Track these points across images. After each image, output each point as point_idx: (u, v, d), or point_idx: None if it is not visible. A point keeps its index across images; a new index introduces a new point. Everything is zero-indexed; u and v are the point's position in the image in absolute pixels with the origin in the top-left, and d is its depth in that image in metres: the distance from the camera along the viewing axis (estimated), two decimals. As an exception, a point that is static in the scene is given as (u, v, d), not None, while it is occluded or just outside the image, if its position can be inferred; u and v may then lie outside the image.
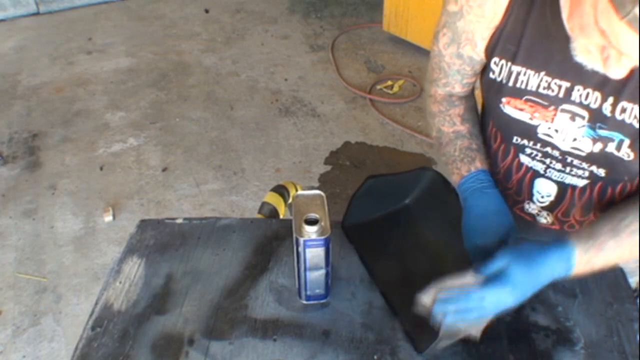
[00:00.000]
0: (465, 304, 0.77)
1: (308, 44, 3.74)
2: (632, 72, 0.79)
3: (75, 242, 2.37)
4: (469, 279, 0.79)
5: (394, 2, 3.44)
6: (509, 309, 0.78)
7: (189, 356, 0.88)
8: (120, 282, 1.00)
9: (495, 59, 0.93)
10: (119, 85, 3.35)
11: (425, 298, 0.80)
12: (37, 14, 4.10)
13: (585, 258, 0.79)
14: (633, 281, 1.06)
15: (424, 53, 3.46)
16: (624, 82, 0.82)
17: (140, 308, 0.96)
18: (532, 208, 1.06)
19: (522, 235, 1.07)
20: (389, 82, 3.30)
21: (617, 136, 0.86)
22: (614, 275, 0.99)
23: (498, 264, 0.78)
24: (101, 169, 2.74)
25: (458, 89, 1.05)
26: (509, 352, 0.87)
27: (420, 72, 3.38)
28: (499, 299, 0.77)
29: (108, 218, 2.45)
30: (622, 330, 0.90)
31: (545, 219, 1.06)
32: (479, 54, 0.97)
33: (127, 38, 3.82)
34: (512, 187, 1.06)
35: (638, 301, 0.97)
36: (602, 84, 0.84)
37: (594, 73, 0.83)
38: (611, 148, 0.87)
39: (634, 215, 0.82)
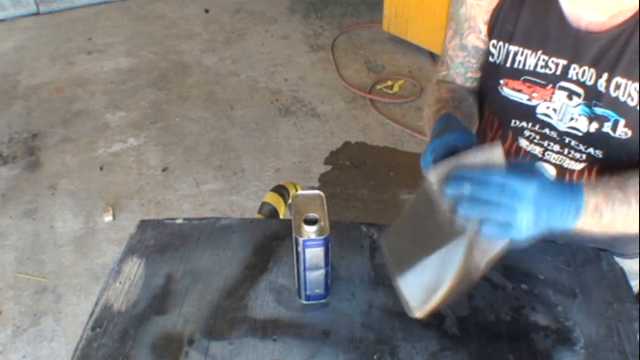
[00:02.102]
0: (482, 190, 0.69)
1: (308, 44, 3.73)
2: (621, 25, 0.81)
3: (75, 242, 2.37)
4: (496, 157, 0.70)
5: (394, 2, 3.44)
6: (518, 243, 0.71)
7: (188, 356, 0.88)
8: (120, 283, 1.00)
9: (494, 41, 0.94)
10: (119, 85, 3.35)
11: (436, 174, 0.70)
12: (37, 14, 4.10)
13: (593, 201, 0.74)
14: (634, 285, 1.06)
15: (424, 53, 3.47)
16: (615, 55, 0.83)
17: (140, 308, 0.96)
18: None
19: None
20: (389, 82, 3.30)
21: (612, 115, 0.87)
22: (614, 275, 0.99)
23: (525, 165, 0.73)
24: (101, 169, 2.74)
25: (459, 82, 1.05)
26: (509, 352, 0.87)
27: (421, 72, 3.38)
28: (519, 198, 0.68)
29: (108, 218, 2.45)
30: (622, 330, 0.90)
31: None
32: (485, 42, 0.97)
33: (127, 38, 3.82)
34: None
35: (638, 305, 0.97)
36: (597, 60, 0.85)
37: (568, 24, 0.84)
38: (607, 128, 0.88)
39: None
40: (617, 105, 0.85)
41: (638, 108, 0.83)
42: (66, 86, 3.34)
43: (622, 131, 0.87)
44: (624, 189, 0.76)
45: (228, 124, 3.03)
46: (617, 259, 1.04)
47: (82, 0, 4.19)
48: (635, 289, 1.07)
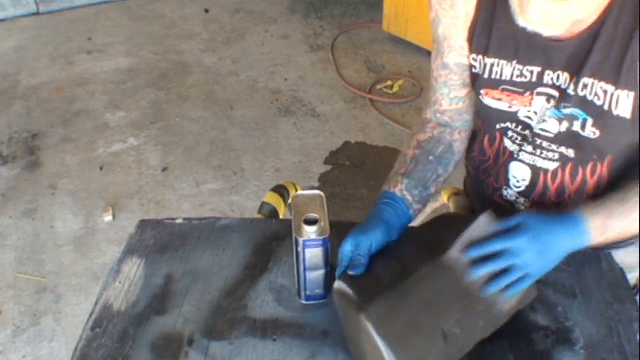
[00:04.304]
0: (493, 249, 0.79)
1: (308, 44, 3.73)
2: (580, 34, 0.83)
3: (75, 242, 2.37)
4: (490, 227, 0.81)
5: (394, 2, 3.44)
6: (541, 275, 0.81)
7: (188, 356, 0.88)
8: (120, 283, 1.00)
9: (473, 56, 0.98)
10: (119, 85, 3.35)
11: (455, 253, 0.80)
12: (37, 14, 4.10)
13: (597, 222, 0.82)
14: (632, 277, 1.06)
15: (424, 53, 3.46)
16: (584, 57, 0.85)
17: (140, 308, 0.96)
18: (510, 194, 1.08)
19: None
20: (389, 82, 3.30)
21: (581, 115, 0.89)
22: (614, 276, 0.99)
23: (514, 220, 0.81)
24: (101, 169, 2.74)
25: (446, 105, 1.05)
26: (509, 352, 0.87)
27: (421, 72, 3.38)
28: (520, 248, 0.79)
29: (108, 218, 2.45)
30: (622, 330, 0.90)
31: (522, 205, 1.07)
32: (468, 57, 0.99)
33: (127, 38, 3.82)
34: (493, 173, 1.09)
35: (638, 298, 0.97)
36: (568, 64, 0.87)
37: (536, 35, 0.86)
38: (577, 127, 0.90)
39: None
40: (585, 104, 0.88)
41: (605, 108, 0.85)
42: (66, 86, 3.34)
43: (591, 130, 0.89)
44: (626, 201, 0.84)
45: (228, 124, 3.03)
46: (618, 251, 1.04)
47: (82, 0, 4.19)
48: (633, 282, 1.07)
